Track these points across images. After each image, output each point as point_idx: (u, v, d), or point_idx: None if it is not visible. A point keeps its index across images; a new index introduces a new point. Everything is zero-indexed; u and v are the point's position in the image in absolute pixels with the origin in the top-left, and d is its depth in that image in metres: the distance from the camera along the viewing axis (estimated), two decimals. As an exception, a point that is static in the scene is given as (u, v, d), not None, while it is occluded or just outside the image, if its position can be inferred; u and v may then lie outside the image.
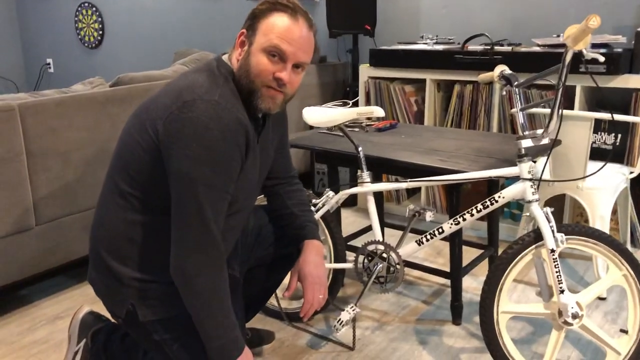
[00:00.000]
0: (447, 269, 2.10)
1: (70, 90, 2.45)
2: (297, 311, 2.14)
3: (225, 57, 1.45)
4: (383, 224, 2.60)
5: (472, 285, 2.40)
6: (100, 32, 5.21)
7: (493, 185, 2.25)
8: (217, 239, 1.35)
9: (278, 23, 1.36)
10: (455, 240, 2.03)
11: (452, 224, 1.83)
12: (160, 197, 1.37)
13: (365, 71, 3.21)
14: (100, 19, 5.18)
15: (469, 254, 2.58)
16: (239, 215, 1.50)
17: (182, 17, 4.68)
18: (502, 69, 1.82)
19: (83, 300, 2.36)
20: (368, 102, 3.26)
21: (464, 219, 1.81)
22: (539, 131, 1.70)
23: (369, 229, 2.54)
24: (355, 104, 3.28)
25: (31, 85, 5.90)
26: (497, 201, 1.76)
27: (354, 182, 3.32)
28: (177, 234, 1.34)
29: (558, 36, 2.76)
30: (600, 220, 2.27)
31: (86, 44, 5.34)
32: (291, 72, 1.38)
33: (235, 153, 1.34)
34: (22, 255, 2.22)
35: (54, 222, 2.31)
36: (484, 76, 1.93)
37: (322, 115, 1.91)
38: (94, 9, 5.19)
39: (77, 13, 5.33)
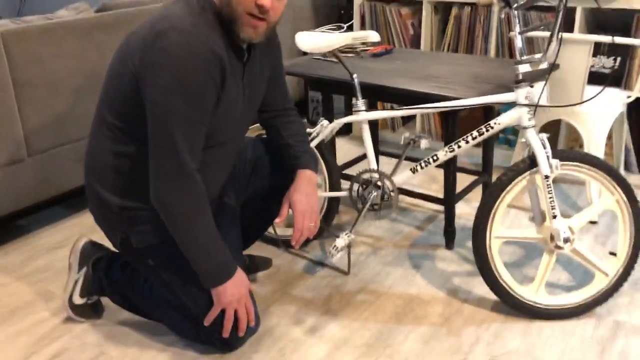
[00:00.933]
0: (441, 196, 2.12)
1: (54, 16, 2.36)
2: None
3: None
4: (378, 152, 2.60)
5: (466, 211, 2.42)
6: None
7: (489, 112, 2.23)
8: (190, 168, 1.36)
9: None
10: (450, 167, 2.04)
11: (447, 151, 1.82)
12: (143, 128, 1.38)
13: (360, -6, 3.10)
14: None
15: (463, 181, 2.59)
16: (224, 147, 1.50)
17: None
18: (501, -10, 1.75)
19: (80, 229, 2.38)
20: (363, 26, 3.17)
21: (459, 147, 1.80)
22: (537, 55, 1.66)
23: (363, 157, 2.53)
24: (350, 28, 3.19)
25: (13, 10, 5.69)
26: (492, 128, 1.75)
27: (348, 110, 3.29)
28: (152, 164, 1.37)
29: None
30: (595, 145, 2.27)
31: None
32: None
33: (209, 84, 1.33)
34: (16, 186, 2.22)
35: (46, 153, 2.29)
36: (482, -2, 1.86)
37: (315, 41, 1.86)
38: None
39: None
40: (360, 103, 1.94)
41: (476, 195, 2.50)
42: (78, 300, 1.74)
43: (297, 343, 1.69)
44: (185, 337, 1.68)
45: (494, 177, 2.23)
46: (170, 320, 1.66)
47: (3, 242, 2.30)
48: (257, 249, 2.17)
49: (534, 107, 1.68)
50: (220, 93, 1.38)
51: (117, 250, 1.64)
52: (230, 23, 1.35)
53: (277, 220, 1.66)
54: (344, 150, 3.07)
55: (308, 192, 1.65)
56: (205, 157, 1.43)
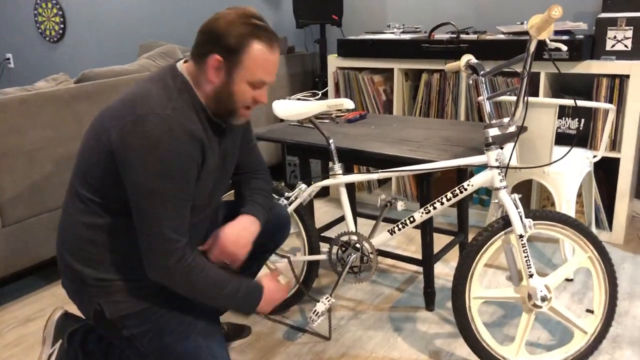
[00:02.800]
0: (419, 257, 2.14)
1: (33, 87, 2.39)
2: (273, 304, 2.15)
3: (179, 66, 1.45)
4: (355, 214, 2.62)
5: (444, 271, 2.44)
6: (62, 26, 5.09)
7: (462, 174, 2.29)
8: (179, 245, 1.39)
9: (260, 58, 1.38)
10: (427, 228, 2.07)
11: (423, 212, 1.86)
12: (118, 201, 1.40)
13: (334, 61, 3.22)
14: (60, 12, 5.06)
15: (440, 241, 2.63)
16: (201, 212, 1.53)
17: (147, 9, 4.60)
18: (468, 58, 1.84)
19: (54, 301, 2.33)
20: (337, 93, 3.27)
21: (435, 208, 1.84)
22: (506, 119, 1.73)
23: (341, 219, 2.56)
24: (325, 95, 3.29)
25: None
26: (466, 189, 1.79)
27: (325, 173, 3.34)
28: (142, 243, 1.39)
29: (522, 23, 2.81)
30: (567, 204, 2.33)
31: (47, 38, 5.21)
32: None
33: (191, 164, 1.37)
34: (-11, 257, 2.18)
35: (21, 222, 2.26)
36: (450, 66, 1.95)
37: (292, 109, 1.91)
38: (54, 1, 5.06)
39: (37, 6, 5.19)
40: (337, 167, 1.98)
41: (453, 255, 2.53)
42: (53, 375, 1.68)
43: (279, 413, 1.65)
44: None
45: (470, 237, 2.27)
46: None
47: (-27, 315, 2.24)
48: (235, 317, 2.14)
49: (505, 168, 1.74)
50: (201, 169, 1.41)
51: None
52: (227, 113, 1.43)
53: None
54: (322, 212, 3.09)
55: (239, 233, 1.59)
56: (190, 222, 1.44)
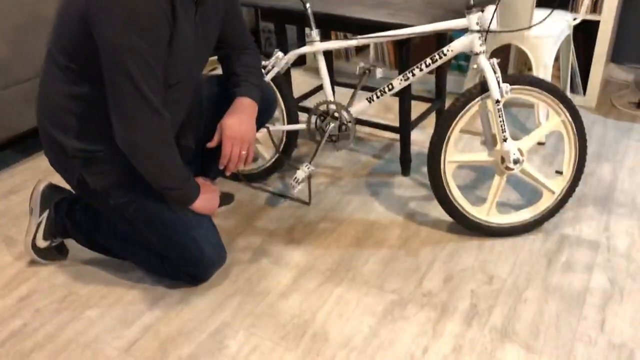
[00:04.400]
0: (397, 124, 2.17)
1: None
2: (254, 172, 2.20)
3: None
4: (333, 83, 2.60)
5: (420, 138, 2.49)
6: None
7: (442, 39, 2.25)
8: (155, 104, 1.35)
9: None
10: (405, 96, 2.07)
11: (401, 79, 1.85)
12: (95, 68, 1.35)
13: None
14: None
15: (417, 108, 2.65)
16: (180, 87, 1.49)
17: None
18: None
19: (34, 174, 2.34)
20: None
21: (413, 74, 1.83)
22: (488, -20, 1.68)
23: (319, 89, 2.54)
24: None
25: None
26: (445, 54, 1.78)
27: (301, 41, 3.25)
28: (115, 107, 1.35)
29: None
30: (544, 69, 2.34)
31: None
32: None
33: (161, 18, 1.30)
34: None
35: (-9, 96, 2.21)
36: None
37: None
38: None
39: None
40: (314, 33, 1.93)
41: (430, 122, 2.56)
42: (42, 243, 1.74)
43: (263, 272, 1.75)
44: (153, 273, 1.72)
45: (447, 104, 2.29)
46: (137, 257, 1.69)
47: (-45, 190, 2.25)
48: (220, 185, 2.19)
49: (485, 32, 1.71)
50: (173, 29, 1.35)
51: (77, 192, 1.63)
52: None
53: (208, 144, 1.63)
54: (299, 81, 3.06)
55: (241, 118, 1.60)
56: (165, 97, 1.42)
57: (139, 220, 1.57)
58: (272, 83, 2.04)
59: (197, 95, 1.70)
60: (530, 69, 2.65)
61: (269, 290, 1.68)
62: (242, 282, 1.71)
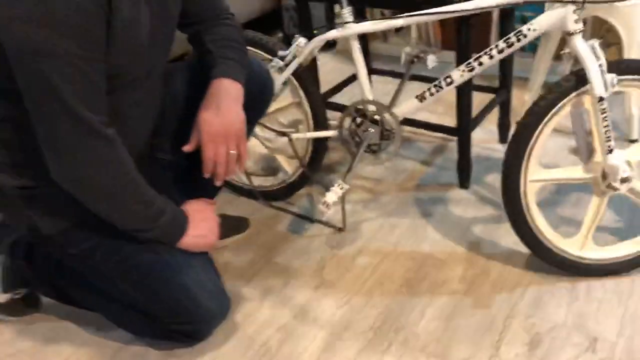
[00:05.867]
0: (450, 121, 1.70)
1: None
2: (274, 188, 1.78)
3: None
4: (369, 70, 2.14)
5: (479, 136, 2.02)
6: None
7: (506, 15, 1.78)
8: (93, 124, 0.97)
9: None
10: (465, 89, 1.61)
11: (464, 70, 1.39)
12: (11, 82, 0.95)
13: None
14: None
15: (476, 100, 2.17)
16: (140, 85, 1.10)
17: None
18: None
19: None
20: None
21: (481, 64, 1.36)
22: None
23: (353, 78, 2.09)
24: None
25: None
26: (525, 36, 1.30)
27: (330, 21, 2.78)
28: (43, 134, 0.97)
29: None
30: (638, 48, 1.83)
31: None
32: None
33: (88, 4, 0.90)
34: None
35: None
36: None
37: None
38: None
39: None
40: (346, 12, 1.48)
41: (492, 116, 2.08)
42: (2, 297, 1.36)
43: (285, 332, 1.34)
44: (138, 334, 1.32)
45: (514, 93, 1.82)
46: (116, 315, 1.30)
47: None
48: (230, 206, 1.78)
49: (582, 3, 1.23)
50: (110, 15, 0.94)
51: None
52: None
53: (184, 148, 1.21)
54: (328, 69, 2.60)
55: (222, 107, 1.18)
56: (115, 103, 1.01)
57: (111, 270, 1.17)
58: (293, 78, 1.61)
59: (170, 90, 1.27)
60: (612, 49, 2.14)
61: None
62: (257, 348, 1.30)
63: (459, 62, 1.57)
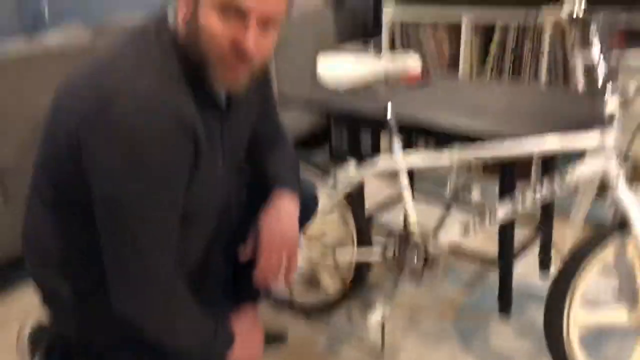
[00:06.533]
0: (491, 248, 1.73)
1: (41, 39, 2.06)
2: (315, 303, 1.81)
3: (171, 14, 1.01)
4: (413, 192, 2.22)
5: (519, 266, 2.02)
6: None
7: (548, 156, 1.86)
8: (160, 273, 1.02)
9: None
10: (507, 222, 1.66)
11: (508, 208, 1.44)
12: (85, 204, 1.01)
13: (390, 11, 2.76)
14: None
15: (517, 232, 2.21)
16: (206, 220, 1.16)
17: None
18: (573, 3, 1.39)
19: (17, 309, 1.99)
20: (392, 44, 2.82)
21: (524, 203, 1.42)
22: (632, 87, 1.28)
23: (397, 200, 2.16)
24: (378, 44, 2.84)
25: (25, 30, 5.48)
26: (566, 182, 1.36)
27: (376, 147, 2.91)
28: (111, 271, 1.01)
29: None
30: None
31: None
32: (257, 34, 0.95)
33: (177, 161, 0.97)
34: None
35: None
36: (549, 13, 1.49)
37: (342, 71, 1.49)
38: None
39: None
40: (396, 143, 1.57)
41: (534, 249, 2.10)
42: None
43: None
44: None
45: (555, 228, 1.84)
46: None
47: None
48: (270, 317, 1.81)
49: (625, 155, 1.30)
50: (194, 168, 1.02)
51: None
52: (200, 70, 0.98)
53: (242, 256, 1.25)
54: (371, 188, 2.70)
55: (281, 216, 1.22)
56: (181, 234, 1.08)
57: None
58: (341, 198, 1.69)
59: (226, 205, 1.34)
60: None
61: None
62: None
63: (501, 195, 1.63)
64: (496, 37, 2.53)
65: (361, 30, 3.30)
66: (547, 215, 1.93)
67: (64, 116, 1.00)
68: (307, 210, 1.45)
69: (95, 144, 0.93)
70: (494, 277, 1.97)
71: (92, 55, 1.03)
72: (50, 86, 1.90)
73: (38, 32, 5.53)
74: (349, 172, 1.63)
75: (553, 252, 1.98)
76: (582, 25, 1.37)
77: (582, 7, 1.35)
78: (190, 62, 0.98)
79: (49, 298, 1.17)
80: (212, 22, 0.93)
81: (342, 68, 1.50)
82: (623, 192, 1.29)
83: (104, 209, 0.97)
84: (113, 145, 0.92)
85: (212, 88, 1.03)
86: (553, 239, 1.98)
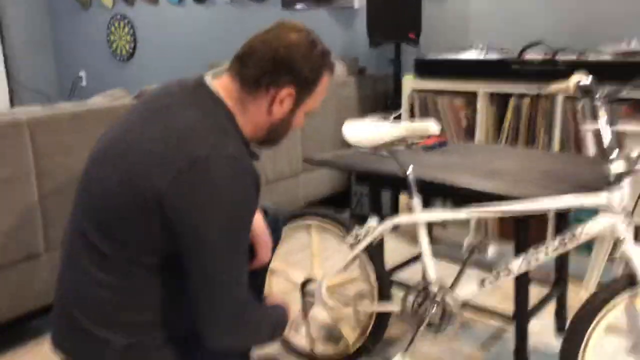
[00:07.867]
0: (505, 307, 1.79)
1: (88, 103, 2.24)
2: (335, 356, 1.86)
3: (212, 88, 1.21)
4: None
5: (535, 325, 2.07)
6: (132, 45, 5.08)
7: (561, 216, 1.95)
8: (245, 301, 1.19)
9: (325, 87, 1.27)
10: (522, 280, 1.73)
11: (522, 264, 1.52)
12: (154, 256, 1.15)
13: (410, 83, 2.93)
14: (132, 32, 5.05)
15: (532, 292, 2.26)
16: None
17: (216, 28, 4.50)
18: (579, 77, 1.52)
19: None
20: (412, 117, 2.98)
21: (537, 259, 1.50)
22: (635, 152, 1.39)
23: (416, 258, 2.24)
24: (397, 118, 3.00)
25: (63, 98, 5.81)
26: (577, 238, 1.45)
27: (395, 205, 3.03)
28: (205, 311, 1.14)
29: (629, 42, 2.44)
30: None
31: (118, 57, 5.22)
32: None
33: (255, 208, 1.18)
34: (31, 284, 2.01)
35: (66, 248, 2.09)
36: (557, 87, 1.62)
37: (365, 133, 1.63)
38: (126, 21, 5.06)
39: (110, 26, 5.21)
40: (416, 201, 1.68)
41: (549, 309, 2.15)
42: None
43: None
44: None
45: (569, 289, 1.89)
46: None
47: (16, 345, 2.06)
48: (292, 369, 1.87)
49: (632, 214, 1.39)
50: None
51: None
52: (270, 142, 1.31)
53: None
54: (391, 247, 2.78)
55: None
56: None
57: None
58: (362, 254, 1.78)
59: None
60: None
61: None
62: None
63: (516, 253, 1.71)
64: (511, 105, 2.67)
65: (382, 98, 3.49)
66: (561, 276, 1.99)
67: (140, 178, 1.11)
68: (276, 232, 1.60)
69: (195, 199, 1.08)
70: (510, 335, 2.02)
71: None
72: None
73: (76, 98, 5.86)
74: (371, 227, 1.73)
75: (568, 313, 2.02)
76: (590, 96, 1.48)
77: (589, 81, 1.48)
78: (261, 136, 1.27)
79: (95, 350, 1.21)
80: (301, 120, 1.29)
81: (366, 130, 1.63)
82: (631, 248, 1.37)
83: (201, 257, 1.10)
84: (214, 200, 1.08)
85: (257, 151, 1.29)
86: (567, 300, 2.04)
